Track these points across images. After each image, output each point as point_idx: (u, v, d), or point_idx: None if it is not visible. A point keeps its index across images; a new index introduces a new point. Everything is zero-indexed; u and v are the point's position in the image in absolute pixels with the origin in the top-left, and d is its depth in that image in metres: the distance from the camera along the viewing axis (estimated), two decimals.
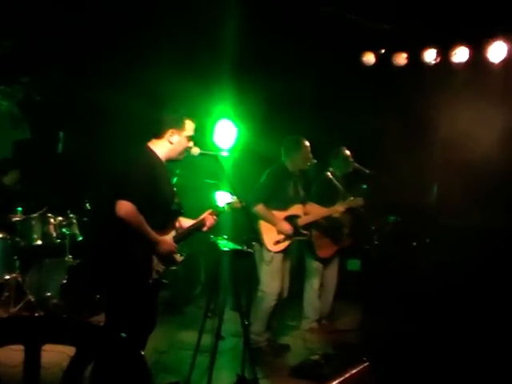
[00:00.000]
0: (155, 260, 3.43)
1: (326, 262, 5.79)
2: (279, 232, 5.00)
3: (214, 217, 3.78)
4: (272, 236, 4.99)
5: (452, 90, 6.53)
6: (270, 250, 4.98)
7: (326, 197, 5.55)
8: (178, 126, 3.53)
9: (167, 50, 6.46)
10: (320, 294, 5.77)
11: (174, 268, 3.62)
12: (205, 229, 3.76)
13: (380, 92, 6.95)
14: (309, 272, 5.77)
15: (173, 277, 5.80)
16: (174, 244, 3.52)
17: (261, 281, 5.04)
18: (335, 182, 5.71)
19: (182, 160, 3.65)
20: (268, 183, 5.05)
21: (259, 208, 4.94)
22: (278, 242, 5.00)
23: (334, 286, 5.91)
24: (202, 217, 3.78)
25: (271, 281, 4.98)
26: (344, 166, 5.83)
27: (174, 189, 3.70)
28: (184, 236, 3.67)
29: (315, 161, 5.28)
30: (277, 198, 5.05)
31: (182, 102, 4.31)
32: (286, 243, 5.05)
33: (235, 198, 3.86)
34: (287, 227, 5.02)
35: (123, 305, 3.37)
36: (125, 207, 3.21)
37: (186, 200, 4.35)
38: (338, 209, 5.35)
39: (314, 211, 5.32)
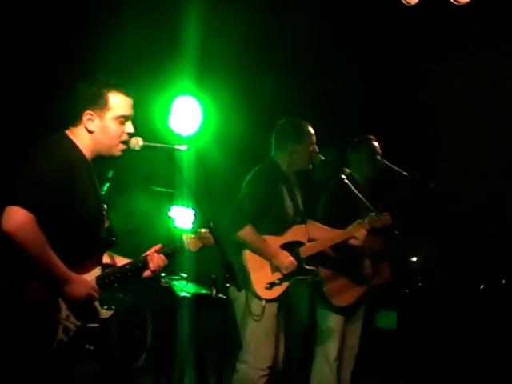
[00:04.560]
0: (64, 311, 3.30)
1: (347, 314, 5.59)
2: (275, 269, 4.91)
3: (162, 256, 3.71)
4: (264, 275, 4.90)
5: None
6: (260, 297, 4.86)
7: (339, 214, 5.44)
8: (97, 103, 3.45)
9: None
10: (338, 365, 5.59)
11: (96, 326, 3.46)
12: (147, 274, 3.69)
13: (429, 45, 6.91)
14: (321, 333, 5.61)
15: (102, 339, 5.69)
16: (93, 286, 3.41)
17: (244, 346, 4.91)
18: (354, 190, 5.54)
19: (117, 158, 3.57)
20: (257, 191, 4.94)
21: (246, 233, 4.82)
22: (272, 285, 4.90)
23: (354, 353, 5.74)
24: (144, 254, 3.70)
25: (261, 345, 4.88)
26: (368, 166, 5.76)
27: (105, 205, 3.60)
28: (115, 278, 3.57)
29: (323, 158, 5.17)
30: (269, 216, 4.95)
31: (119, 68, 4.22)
32: (284, 286, 4.95)
33: (201, 227, 3.82)
34: (288, 260, 4.92)
35: None
36: (16, 217, 3.13)
37: (123, 220, 4.14)
38: (356, 232, 5.23)
39: (321, 235, 5.23)
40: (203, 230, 3.91)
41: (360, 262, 5.59)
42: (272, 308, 4.92)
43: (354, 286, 5.55)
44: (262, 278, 4.89)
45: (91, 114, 3.43)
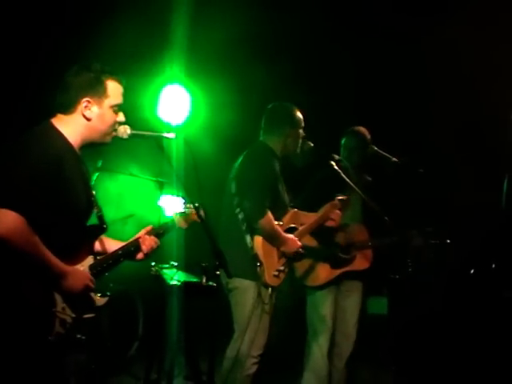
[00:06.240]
0: (59, 304, 3.29)
1: (332, 294, 5.56)
2: (281, 255, 4.89)
3: (154, 237, 3.70)
4: (272, 263, 4.86)
5: None
6: (269, 286, 4.82)
7: (328, 200, 5.34)
8: (96, 90, 3.43)
9: None
10: (331, 349, 5.58)
11: (92, 316, 3.48)
12: (140, 256, 3.69)
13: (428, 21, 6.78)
14: (310, 319, 5.61)
15: (93, 329, 5.74)
16: (89, 277, 3.40)
17: (240, 334, 4.85)
18: (343, 176, 5.51)
19: (107, 145, 3.55)
20: (264, 177, 4.84)
21: (267, 220, 4.75)
22: (279, 272, 4.88)
23: (351, 342, 5.70)
24: (135, 237, 3.68)
25: (257, 335, 4.82)
26: (357, 152, 5.73)
27: (93, 192, 3.58)
28: (108, 265, 3.56)
29: (312, 144, 5.15)
30: (273, 201, 4.86)
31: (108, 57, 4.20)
32: (286, 272, 4.94)
33: (190, 204, 3.76)
34: (297, 246, 4.90)
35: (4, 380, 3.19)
36: (6, 220, 3.11)
37: (113, 209, 4.15)
38: (331, 213, 5.20)
39: (305, 220, 5.17)
40: (191, 207, 3.82)
41: (334, 242, 5.55)
42: (273, 297, 4.91)
43: (327, 267, 5.52)
44: (271, 265, 4.85)
45: (89, 102, 3.39)
